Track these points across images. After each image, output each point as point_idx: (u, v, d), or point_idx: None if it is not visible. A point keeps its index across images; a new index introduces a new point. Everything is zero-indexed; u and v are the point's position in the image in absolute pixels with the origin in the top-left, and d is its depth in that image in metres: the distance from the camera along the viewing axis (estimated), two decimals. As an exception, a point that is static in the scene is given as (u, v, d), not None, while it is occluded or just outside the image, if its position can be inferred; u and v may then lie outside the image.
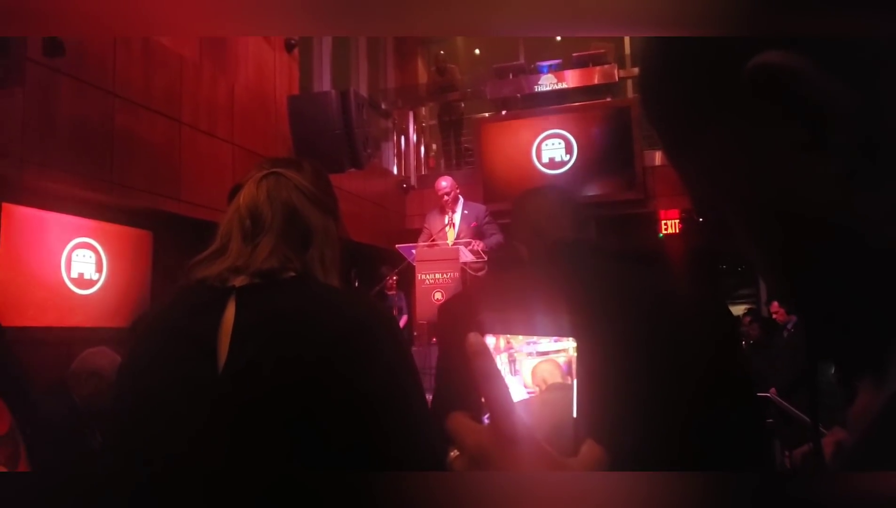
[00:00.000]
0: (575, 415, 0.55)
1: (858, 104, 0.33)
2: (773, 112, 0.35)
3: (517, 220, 1.45)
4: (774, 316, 6.60)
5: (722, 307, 1.20)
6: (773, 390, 5.26)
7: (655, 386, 1.02)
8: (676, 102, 0.42)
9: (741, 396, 1.13)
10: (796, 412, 4.27)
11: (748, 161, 0.38)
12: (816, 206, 0.36)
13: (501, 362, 0.58)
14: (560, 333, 0.58)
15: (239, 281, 1.08)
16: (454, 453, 0.54)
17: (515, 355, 0.59)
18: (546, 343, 0.57)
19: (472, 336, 0.53)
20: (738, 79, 0.36)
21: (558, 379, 0.57)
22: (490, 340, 0.57)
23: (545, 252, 1.31)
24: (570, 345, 0.56)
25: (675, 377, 1.04)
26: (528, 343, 0.58)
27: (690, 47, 0.39)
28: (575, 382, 0.55)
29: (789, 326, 6.12)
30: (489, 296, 1.32)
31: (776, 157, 0.36)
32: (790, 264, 0.39)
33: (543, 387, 0.57)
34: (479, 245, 5.02)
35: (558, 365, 0.57)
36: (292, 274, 1.10)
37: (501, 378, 0.52)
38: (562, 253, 1.27)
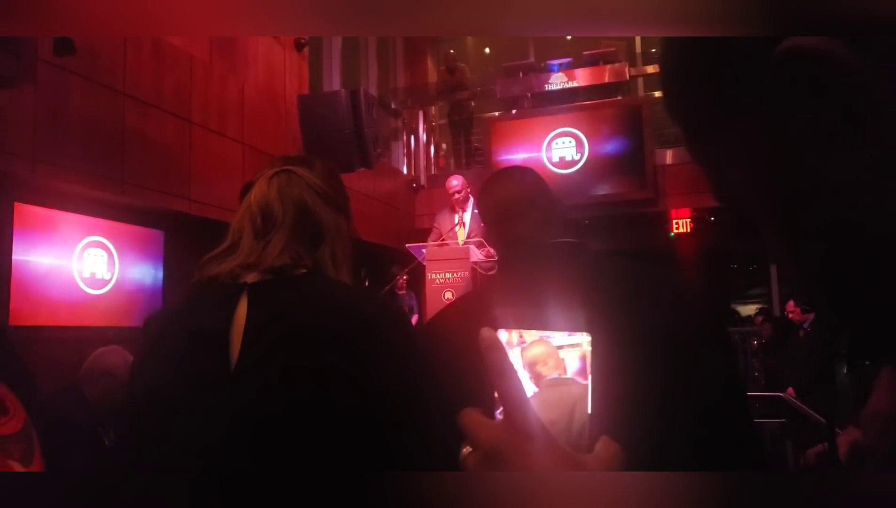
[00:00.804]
0: (590, 411, 0.54)
1: (892, 89, 0.32)
2: (801, 99, 0.34)
3: (484, 219, 1.35)
4: (790, 316, 6.53)
5: (710, 305, 1.17)
6: (790, 390, 5.23)
7: (663, 382, 1.01)
8: (701, 92, 0.41)
9: (727, 393, 1.09)
10: (810, 411, 4.24)
11: (774, 150, 0.37)
12: (845, 195, 0.35)
13: (514, 357, 0.58)
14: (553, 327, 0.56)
15: (251, 278, 1.08)
16: (467, 449, 0.53)
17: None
18: (559, 338, 0.56)
19: (485, 331, 0.52)
20: (765, 66, 0.35)
21: (552, 367, 0.56)
22: (502, 335, 0.56)
23: (524, 254, 1.22)
24: (584, 339, 0.55)
25: (673, 374, 1.03)
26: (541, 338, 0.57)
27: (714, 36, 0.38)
28: (590, 378, 0.55)
29: (805, 325, 6.06)
30: (470, 312, 1.18)
31: (804, 145, 0.35)
32: (815, 255, 0.38)
33: (537, 379, 0.56)
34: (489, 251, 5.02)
35: (551, 348, 0.56)
36: (304, 271, 1.10)
37: (515, 373, 0.51)
38: (543, 256, 1.20)
